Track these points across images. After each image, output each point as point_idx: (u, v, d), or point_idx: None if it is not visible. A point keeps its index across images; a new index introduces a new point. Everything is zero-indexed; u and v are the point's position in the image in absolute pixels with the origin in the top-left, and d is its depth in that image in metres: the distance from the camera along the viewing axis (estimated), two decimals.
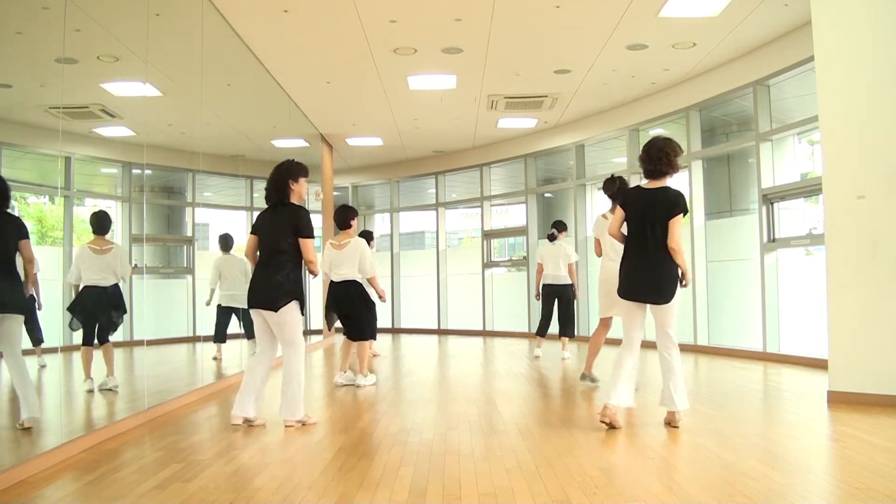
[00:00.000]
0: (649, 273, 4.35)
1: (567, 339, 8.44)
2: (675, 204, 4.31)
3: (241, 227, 10.00)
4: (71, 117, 5.02)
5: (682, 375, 4.40)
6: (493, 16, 6.78)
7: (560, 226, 8.53)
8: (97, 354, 5.49)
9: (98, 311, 5.50)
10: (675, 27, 7.13)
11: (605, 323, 5.96)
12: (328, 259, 6.53)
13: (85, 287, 5.43)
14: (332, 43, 7.50)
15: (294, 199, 4.71)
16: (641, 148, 4.54)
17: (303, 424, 4.64)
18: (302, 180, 4.71)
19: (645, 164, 4.47)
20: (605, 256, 5.72)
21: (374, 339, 6.99)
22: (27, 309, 4.22)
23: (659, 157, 4.39)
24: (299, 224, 4.58)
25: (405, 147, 12.92)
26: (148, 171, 7.01)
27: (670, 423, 4.40)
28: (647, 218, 4.37)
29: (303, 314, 4.66)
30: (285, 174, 4.67)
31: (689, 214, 4.41)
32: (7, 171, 4.94)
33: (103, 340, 5.52)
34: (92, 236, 5.57)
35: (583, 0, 6.50)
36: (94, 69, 5.66)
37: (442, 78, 8.75)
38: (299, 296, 4.60)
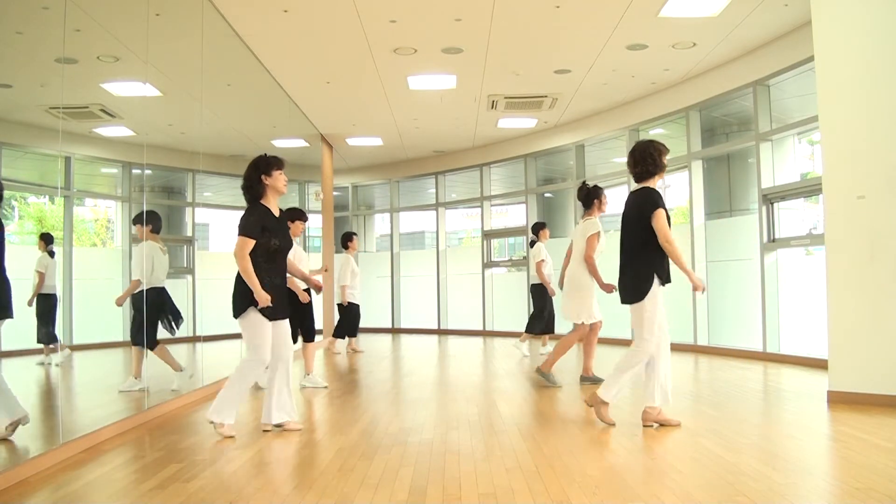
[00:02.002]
0: (628, 275, 4.44)
1: (531, 335, 8.93)
2: (651, 202, 4.33)
3: None
4: (71, 117, 5.01)
5: (627, 375, 4.38)
6: (493, 16, 6.78)
7: (536, 228, 8.88)
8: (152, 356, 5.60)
9: (166, 312, 5.63)
10: (675, 27, 7.13)
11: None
12: None
13: (153, 288, 5.54)
14: (332, 43, 7.50)
15: (270, 195, 4.50)
16: (628, 153, 4.56)
17: (214, 426, 4.39)
18: (276, 174, 4.46)
19: (631, 167, 4.51)
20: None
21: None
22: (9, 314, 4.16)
23: (643, 157, 4.42)
24: (240, 220, 4.40)
25: (405, 147, 12.92)
26: (148, 171, 7.00)
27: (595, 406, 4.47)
28: (628, 221, 4.45)
29: (270, 318, 4.38)
30: (255, 170, 4.48)
31: (678, 214, 4.41)
32: (7, 171, 4.95)
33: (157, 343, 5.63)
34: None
35: (583, 0, 6.50)
36: (94, 69, 5.66)
37: (442, 78, 8.75)
38: (254, 301, 4.31)
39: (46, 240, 5.24)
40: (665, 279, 4.36)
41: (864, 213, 5.09)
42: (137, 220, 5.82)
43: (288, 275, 4.73)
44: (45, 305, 5.07)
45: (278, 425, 4.54)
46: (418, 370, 7.92)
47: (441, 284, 13.97)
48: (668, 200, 18.24)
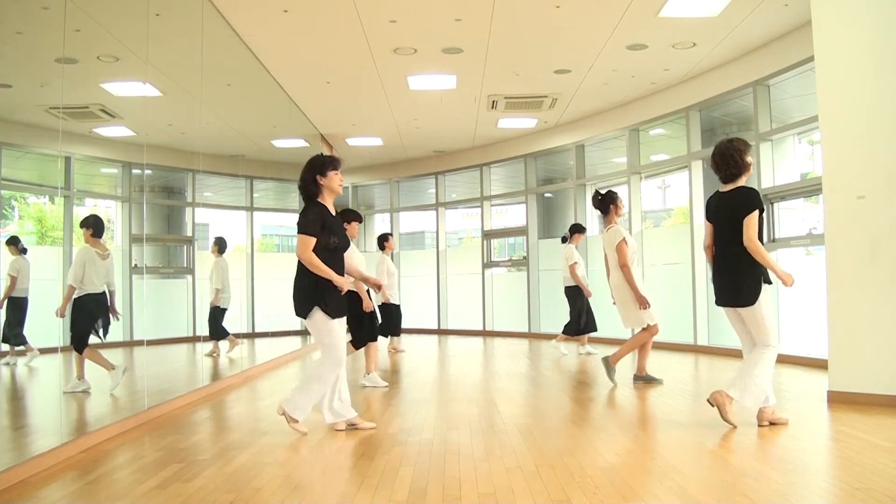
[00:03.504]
0: (726, 277, 4.39)
1: (567, 337, 8.94)
2: (747, 202, 4.27)
3: (241, 227, 10.01)
4: (71, 117, 5.02)
5: (760, 375, 4.29)
6: (493, 16, 6.78)
7: (572, 229, 8.98)
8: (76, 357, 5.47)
9: (98, 318, 5.50)
10: (675, 27, 7.13)
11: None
12: None
13: (88, 294, 5.39)
14: (332, 43, 7.50)
15: (326, 195, 4.48)
16: (711, 157, 4.49)
17: (287, 419, 4.39)
18: (331, 174, 4.44)
19: (716, 169, 4.45)
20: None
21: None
22: None
23: (725, 160, 4.37)
24: (299, 220, 4.38)
25: (405, 147, 12.92)
26: (148, 171, 7.01)
27: (721, 406, 4.33)
28: (721, 221, 4.38)
29: (331, 316, 4.35)
30: (312, 170, 4.45)
31: (762, 212, 4.32)
32: (7, 171, 4.95)
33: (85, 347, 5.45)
34: (77, 238, 5.55)
35: (583, 0, 6.50)
36: (94, 69, 5.66)
37: (442, 78, 8.75)
38: (319, 300, 4.32)
39: (15, 243, 5.20)
40: (766, 279, 4.33)
41: (864, 213, 5.08)
42: (82, 223, 5.60)
43: (352, 278, 4.70)
44: (16, 308, 5.06)
45: (351, 424, 4.55)
46: (418, 370, 7.92)
47: (441, 284, 13.97)
48: (669, 200, 17.95)
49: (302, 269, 4.36)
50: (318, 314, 4.33)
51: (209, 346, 7.88)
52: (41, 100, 4.88)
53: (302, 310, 4.37)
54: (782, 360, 7.59)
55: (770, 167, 8.07)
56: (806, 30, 6.45)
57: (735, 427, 4.30)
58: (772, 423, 4.37)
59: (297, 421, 4.40)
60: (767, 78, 7.89)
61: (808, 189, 7.76)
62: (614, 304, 6.36)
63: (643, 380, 6.25)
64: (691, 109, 9.14)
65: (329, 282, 4.33)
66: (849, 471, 3.48)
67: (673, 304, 9.24)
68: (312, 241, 4.30)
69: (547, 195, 12.91)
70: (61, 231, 5.65)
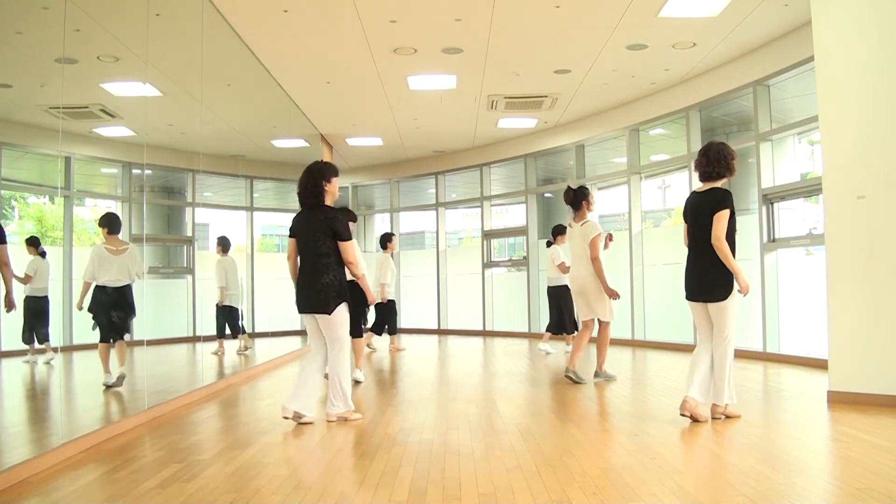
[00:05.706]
0: (703, 273, 4.59)
1: (553, 334, 9.07)
2: (719, 201, 4.46)
3: (241, 227, 10.01)
4: (71, 117, 5.02)
5: (727, 373, 4.63)
6: (493, 16, 6.78)
7: (555, 231, 9.05)
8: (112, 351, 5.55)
9: (113, 310, 5.56)
10: (675, 27, 7.13)
11: (586, 325, 6.46)
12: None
13: (98, 287, 5.49)
14: (332, 43, 7.50)
15: (328, 200, 4.82)
16: (698, 153, 4.72)
17: (345, 420, 4.76)
18: (334, 180, 4.84)
19: (703, 167, 4.64)
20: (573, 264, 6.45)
21: None
22: None
23: (717, 159, 4.60)
24: (337, 229, 4.71)
25: (405, 147, 12.92)
26: (148, 171, 7.02)
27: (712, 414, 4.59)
28: (698, 219, 4.55)
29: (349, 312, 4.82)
30: (319, 176, 4.77)
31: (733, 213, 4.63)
32: (7, 171, 4.96)
33: (116, 339, 5.59)
34: (92, 236, 5.60)
35: (583, 0, 6.50)
36: (94, 69, 5.66)
37: (442, 78, 8.75)
38: (345, 296, 4.75)
39: (34, 243, 5.25)
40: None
41: (864, 213, 5.09)
42: (98, 223, 5.73)
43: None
44: (37, 307, 5.09)
45: (297, 414, 4.70)
46: (418, 370, 7.92)
47: (441, 284, 13.97)
48: (669, 200, 17.98)
49: (331, 267, 4.69)
50: (343, 308, 4.72)
51: (211, 345, 7.88)
52: (41, 100, 4.88)
53: (333, 305, 4.67)
54: (783, 360, 7.64)
55: (770, 167, 8.07)
56: (806, 30, 6.45)
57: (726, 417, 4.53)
58: (727, 417, 4.58)
59: (350, 412, 4.79)
60: (767, 78, 7.89)
61: (808, 189, 7.76)
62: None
63: (575, 377, 6.29)
64: (691, 109, 9.13)
65: (343, 280, 4.77)
66: (849, 471, 3.48)
67: (673, 304, 9.23)
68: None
69: (547, 195, 12.91)
70: (61, 231, 5.65)
